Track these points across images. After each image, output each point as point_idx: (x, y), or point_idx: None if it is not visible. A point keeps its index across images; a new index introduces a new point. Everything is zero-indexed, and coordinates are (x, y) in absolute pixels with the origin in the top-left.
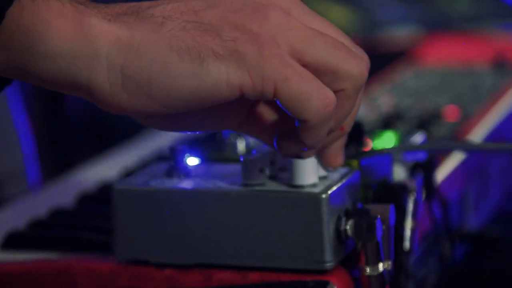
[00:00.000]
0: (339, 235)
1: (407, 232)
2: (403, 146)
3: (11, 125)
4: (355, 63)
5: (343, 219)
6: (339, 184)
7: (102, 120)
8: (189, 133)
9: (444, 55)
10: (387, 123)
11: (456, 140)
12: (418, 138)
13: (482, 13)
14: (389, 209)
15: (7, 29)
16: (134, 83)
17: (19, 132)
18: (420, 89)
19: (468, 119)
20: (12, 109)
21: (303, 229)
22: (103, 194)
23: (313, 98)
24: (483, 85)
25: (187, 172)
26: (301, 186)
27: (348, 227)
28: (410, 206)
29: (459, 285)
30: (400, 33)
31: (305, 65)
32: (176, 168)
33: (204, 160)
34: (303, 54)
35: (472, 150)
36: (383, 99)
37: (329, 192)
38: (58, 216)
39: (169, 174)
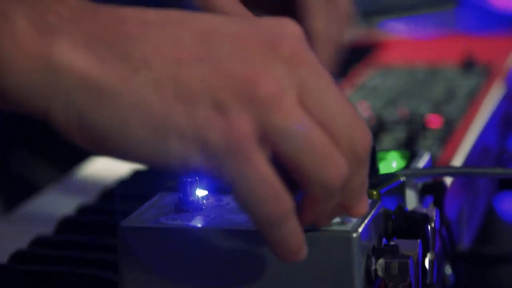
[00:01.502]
0: (369, 275)
1: (428, 265)
2: (423, 170)
3: None
4: (330, 171)
5: (373, 258)
6: (367, 220)
7: None
8: None
9: (400, 52)
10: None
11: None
12: (424, 158)
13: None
14: (418, 245)
15: None
16: (89, 132)
17: None
18: (389, 91)
19: (451, 126)
20: None
21: (332, 270)
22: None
23: (265, 205)
24: (455, 86)
25: (197, 206)
26: (328, 224)
27: (378, 267)
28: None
29: None
30: None
31: (276, 155)
32: (185, 201)
33: (212, 191)
34: (276, 145)
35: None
36: (358, 105)
37: (360, 230)
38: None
39: (178, 208)
